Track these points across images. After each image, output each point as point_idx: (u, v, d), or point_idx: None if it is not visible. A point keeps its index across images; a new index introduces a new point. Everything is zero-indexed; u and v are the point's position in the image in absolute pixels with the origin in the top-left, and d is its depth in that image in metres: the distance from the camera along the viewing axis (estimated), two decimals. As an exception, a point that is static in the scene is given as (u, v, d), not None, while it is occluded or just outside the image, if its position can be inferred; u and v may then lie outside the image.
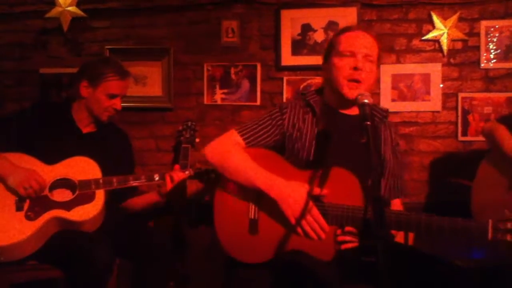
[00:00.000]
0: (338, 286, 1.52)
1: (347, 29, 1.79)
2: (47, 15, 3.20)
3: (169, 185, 2.11)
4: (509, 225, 1.43)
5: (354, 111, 1.77)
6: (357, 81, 1.69)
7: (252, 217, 1.65)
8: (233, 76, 3.15)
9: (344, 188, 1.60)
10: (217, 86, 3.17)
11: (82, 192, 2.01)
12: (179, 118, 3.14)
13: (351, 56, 1.70)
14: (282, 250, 1.58)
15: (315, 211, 1.57)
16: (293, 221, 1.57)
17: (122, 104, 2.27)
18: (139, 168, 2.61)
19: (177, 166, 2.22)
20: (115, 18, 3.25)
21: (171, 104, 3.18)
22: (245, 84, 3.14)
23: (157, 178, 2.14)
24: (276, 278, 1.56)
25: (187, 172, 2.21)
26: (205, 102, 3.19)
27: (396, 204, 1.85)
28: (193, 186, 2.39)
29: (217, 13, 3.18)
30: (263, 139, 1.76)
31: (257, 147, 1.75)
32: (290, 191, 1.58)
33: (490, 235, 1.45)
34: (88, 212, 1.98)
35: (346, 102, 1.74)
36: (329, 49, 1.79)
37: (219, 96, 3.17)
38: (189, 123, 2.78)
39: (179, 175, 2.14)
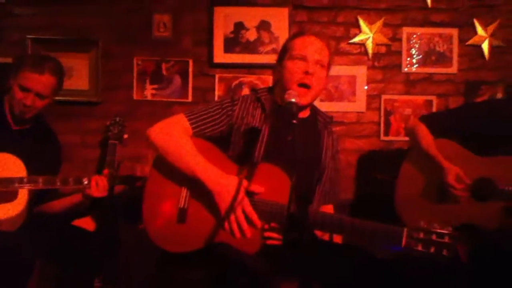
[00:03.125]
0: (267, 279, 1.56)
1: (301, 33, 1.85)
2: (-40, -2, 2.97)
3: (94, 189, 2.08)
4: (421, 235, 1.51)
5: (304, 113, 1.84)
6: (306, 86, 1.75)
7: (182, 206, 1.65)
8: (164, 72, 3.10)
9: (275, 185, 1.64)
10: (148, 81, 3.10)
11: (2, 189, 1.92)
12: (107, 113, 3.02)
13: (302, 60, 1.75)
14: (210, 241, 1.59)
15: (248, 206, 1.59)
16: (224, 214, 1.58)
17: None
18: (64, 164, 2.49)
19: (106, 171, 2.19)
20: (40, 5, 3.07)
21: (98, 98, 3.06)
22: (177, 80, 3.10)
23: (86, 182, 2.09)
24: (209, 275, 1.57)
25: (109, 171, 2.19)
26: (135, 97, 3.10)
27: (328, 209, 1.92)
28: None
29: (150, 5, 3.11)
30: (210, 127, 1.77)
31: (203, 135, 1.76)
32: (228, 184, 1.59)
33: (404, 242, 1.53)
34: (7, 211, 1.91)
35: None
36: (283, 52, 1.84)
37: (149, 91, 3.10)
38: (118, 119, 2.72)
39: (105, 182, 2.10)
